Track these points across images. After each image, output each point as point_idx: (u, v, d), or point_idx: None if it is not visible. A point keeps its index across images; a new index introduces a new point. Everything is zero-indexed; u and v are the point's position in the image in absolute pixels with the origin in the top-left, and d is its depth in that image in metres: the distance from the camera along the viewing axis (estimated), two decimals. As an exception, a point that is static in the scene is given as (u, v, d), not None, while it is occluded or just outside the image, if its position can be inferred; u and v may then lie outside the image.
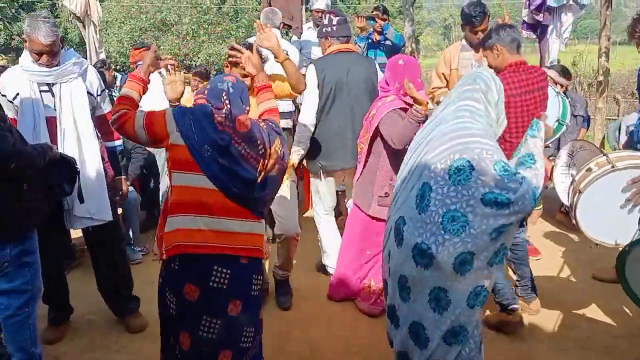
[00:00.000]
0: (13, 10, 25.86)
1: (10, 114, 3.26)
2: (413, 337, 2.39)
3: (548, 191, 4.98)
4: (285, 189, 3.78)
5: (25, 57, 3.28)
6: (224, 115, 2.43)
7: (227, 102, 2.48)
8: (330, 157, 4.08)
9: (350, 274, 3.94)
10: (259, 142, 2.47)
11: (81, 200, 3.23)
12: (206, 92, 2.53)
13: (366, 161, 3.77)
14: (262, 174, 2.50)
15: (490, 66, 3.48)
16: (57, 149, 3.21)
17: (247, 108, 2.56)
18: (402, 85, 3.51)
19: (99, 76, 3.60)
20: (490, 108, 2.41)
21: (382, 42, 5.94)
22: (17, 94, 3.24)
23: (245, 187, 2.45)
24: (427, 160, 2.29)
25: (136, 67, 4.33)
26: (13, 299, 2.72)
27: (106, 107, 3.60)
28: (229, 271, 2.44)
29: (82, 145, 3.36)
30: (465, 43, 4.61)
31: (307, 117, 4.05)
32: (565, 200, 4.20)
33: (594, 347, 3.40)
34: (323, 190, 4.26)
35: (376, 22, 5.83)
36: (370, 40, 6.02)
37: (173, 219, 2.42)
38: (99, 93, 3.52)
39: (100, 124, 3.54)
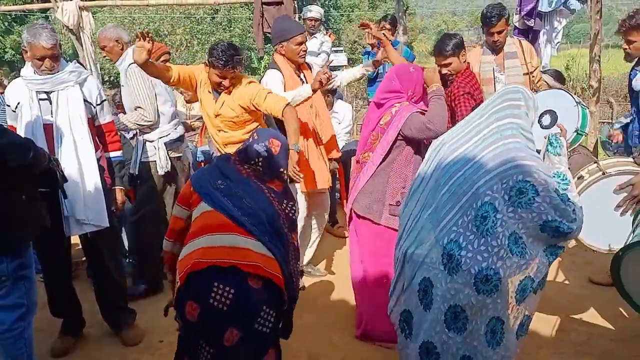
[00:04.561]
0: (6, 24, 25.84)
1: (14, 123, 3.39)
2: None
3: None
4: None
5: (26, 68, 3.38)
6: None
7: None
8: None
9: (378, 311, 3.37)
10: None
11: (64, 196, 3.20)
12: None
13: (376, 169, 3.46)
14: None
15: (451, 72, 3.66)
16: (55, 155, 3.24)
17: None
18: (416, 93, 3.46)
19: (99, 87, 3.63)
20: (530, 128, 2.33)
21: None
22: (19, 103, 3.34)
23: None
24: (482, 181, 2.16)
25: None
26: (8, 314, 2.70)
27: (106, 117, 3.63)
28: (232, 290, 2.26)
29: (78, 152, 3.37)
30: (486, 47, 4.62)
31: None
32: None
33: (591, 351, 3.40)
34: None
35: (386, 37, 5.90)
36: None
37: (185, 246, 2.46)
38: (98, 102, 3.55)
39: (100, 134, 3.58)
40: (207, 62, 3.53)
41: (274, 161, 2.63)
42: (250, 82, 3.68)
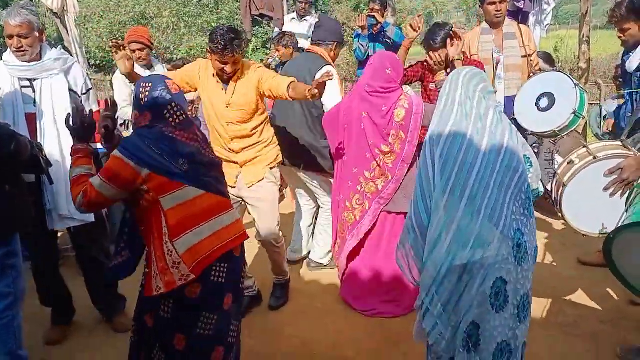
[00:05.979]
0: (-11, 7, 25.44)
1: None
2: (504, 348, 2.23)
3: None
4: (263, 191, 3.65)
5: (9, 53, 3.28)
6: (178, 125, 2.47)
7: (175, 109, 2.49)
8: None
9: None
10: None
11: (50, 181, 3.11)
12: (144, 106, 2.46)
13: (411, 165, 3.54)
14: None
15: (453, 64, 3.69)
16: None
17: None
18: (401, 81, 3.63)
19: (85, 75, 3.55)
20: None
21: (383, 31, 5.96)
22: (0, 89, 3.22)
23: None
24: (522, 165, 2.19)
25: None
26: (-4, 303, 2.68)
27: (92, 107, 3.53)
28: (226, 265, 2.50)
29: (61, 142, 3.31)
30: (486, 26, 4.57)
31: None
32: (548, 186, 4.23)
33: (580, 332, 3.43)
34: None
35: (376, 20, 5.91)
36: (370, 32, 6.06)
37: (181, 240, 2.37)
38: (83, 92, 3.47)
39: None
40: (208, 48, 3.39)
41: (182, 100, 2.54)
42: (259, 67, 3.57)
